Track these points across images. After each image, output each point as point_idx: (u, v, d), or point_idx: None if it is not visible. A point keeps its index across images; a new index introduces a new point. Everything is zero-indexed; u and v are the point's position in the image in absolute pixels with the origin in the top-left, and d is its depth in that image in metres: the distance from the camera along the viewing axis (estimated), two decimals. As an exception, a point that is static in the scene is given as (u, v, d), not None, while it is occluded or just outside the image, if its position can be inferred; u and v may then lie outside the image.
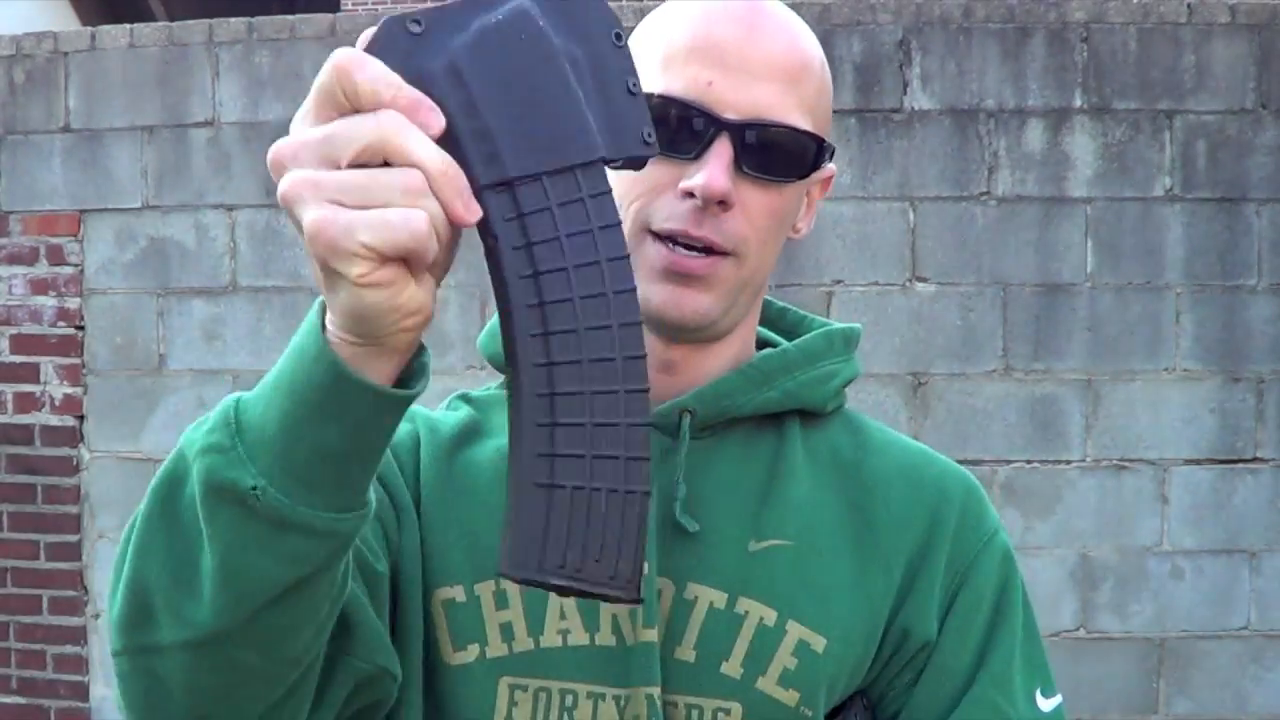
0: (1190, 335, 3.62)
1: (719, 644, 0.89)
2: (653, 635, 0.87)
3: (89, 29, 3.94)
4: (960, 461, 1.03)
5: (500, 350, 0.80)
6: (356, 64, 0.60)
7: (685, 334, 0.92)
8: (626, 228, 0.88)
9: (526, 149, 0.63)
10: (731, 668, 0.89)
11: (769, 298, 1.04)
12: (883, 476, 0.96)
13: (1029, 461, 3.61)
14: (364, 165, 0.60)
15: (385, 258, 0.60)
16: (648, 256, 0.89)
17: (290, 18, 3.81)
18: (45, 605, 3.92)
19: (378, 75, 0.60)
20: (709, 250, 0.89)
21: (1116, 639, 3.64)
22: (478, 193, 0.62)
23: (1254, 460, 3.63)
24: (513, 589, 0.89)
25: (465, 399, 1.03)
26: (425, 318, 0.63)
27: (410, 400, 0.68)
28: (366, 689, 0.86)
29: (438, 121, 0.61)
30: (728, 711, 0.88)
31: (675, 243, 0.88)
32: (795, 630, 0.89)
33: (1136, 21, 3.62)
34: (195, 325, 3.84)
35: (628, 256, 0.65)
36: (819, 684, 0.90)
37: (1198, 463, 3.63)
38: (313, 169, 0.60)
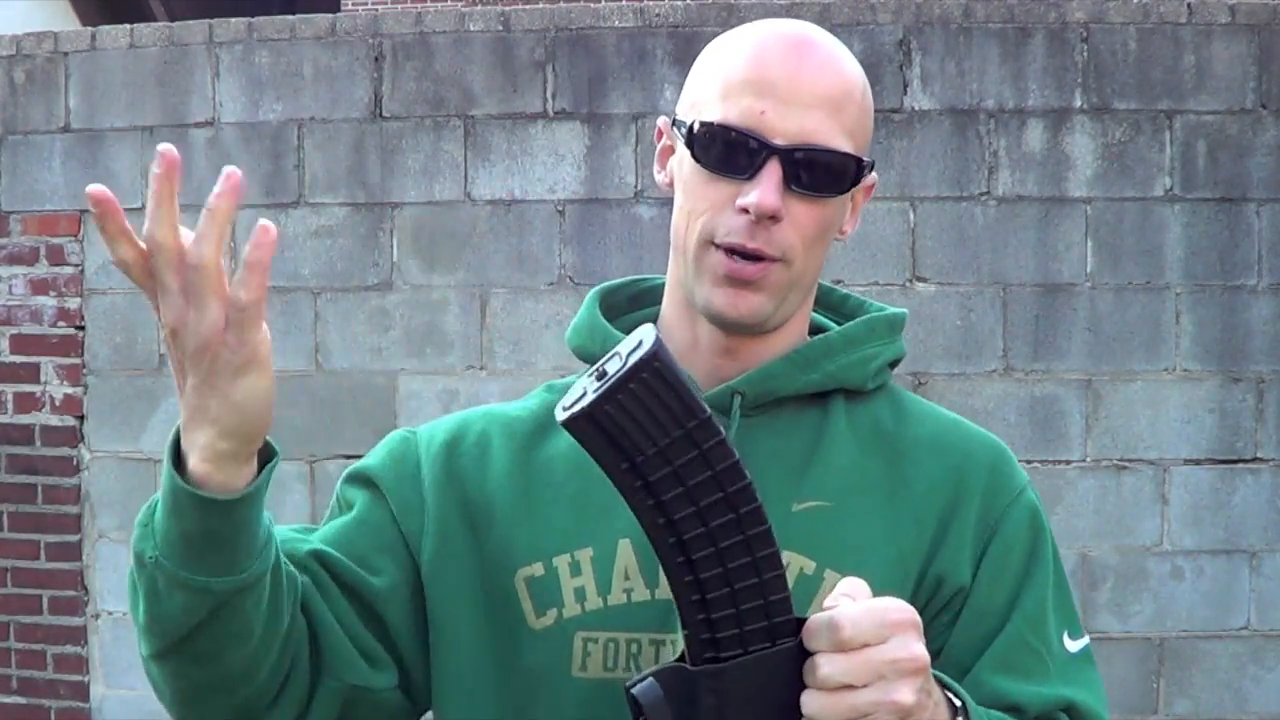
0: (1190, 335, 3.62)
1: None
2: None
3: (89, 29, 3.94)
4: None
5: (586, 344, 1.10)
6: None
7: (743, 329, 1.06)
8: (694, 238, 1.04)
9: None
10: None
11: (833, 286, 1.22)
12: (917, 443, 1.09)
13: (1029, 461, 3.61)
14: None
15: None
16: (711, 264, 1.04)
17: (290, 18, 3.82)
18: (45, 605, 3.92)
19: None
20: (761, 258, 1.03)
21: (1116, 639, 3.64)
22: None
23: (1254, 460, 3.63)
24: (584, 559, 1.04)
25: (550, 389, 1.15)
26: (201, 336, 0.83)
27: (229, 504, 0.88)
28: (357, 706, 1.05)
29: None
30: None
31: (733, 252, 1.03)
32: (831, 578, 1.00)
33: (1136, 21, 3.62)
34: (195, 325, 3.83)
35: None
36: None
37: (1198, 463, 3.62)
38: None
